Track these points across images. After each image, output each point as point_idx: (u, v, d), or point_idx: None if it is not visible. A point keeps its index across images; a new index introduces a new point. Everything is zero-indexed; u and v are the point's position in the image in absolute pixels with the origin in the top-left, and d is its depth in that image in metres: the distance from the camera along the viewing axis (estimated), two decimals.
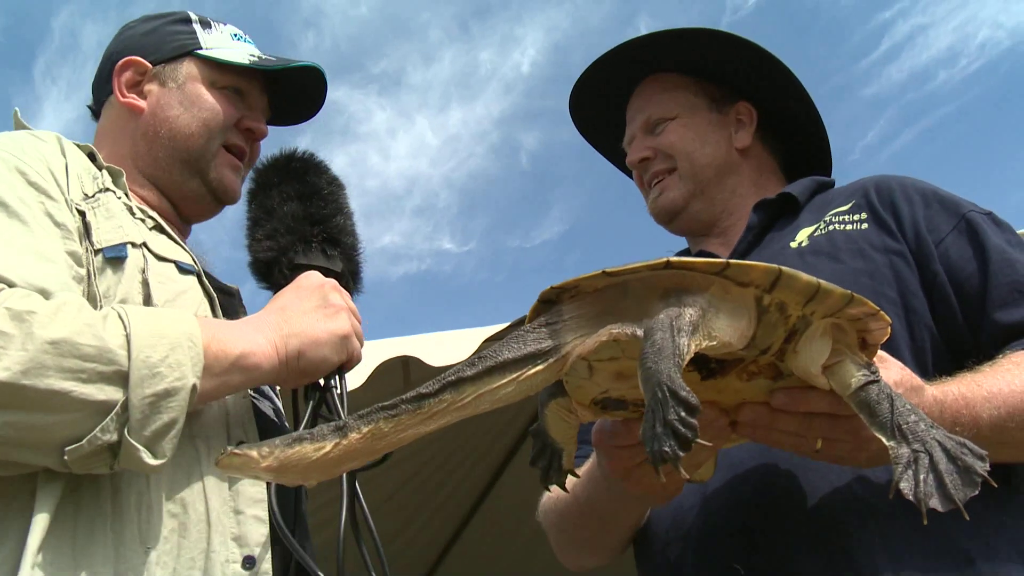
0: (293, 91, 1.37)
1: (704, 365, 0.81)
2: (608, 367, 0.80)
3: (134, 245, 1.02)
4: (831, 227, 1.25)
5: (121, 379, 0.82)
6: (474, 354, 0.80)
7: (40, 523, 0.82)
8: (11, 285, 0.85)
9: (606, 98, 1.55)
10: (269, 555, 0.95)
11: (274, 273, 1.12)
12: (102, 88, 1.31)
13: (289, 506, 1.04)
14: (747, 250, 1.32)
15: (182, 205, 1.26)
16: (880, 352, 0.92)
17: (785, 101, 1.46)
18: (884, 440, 0.79)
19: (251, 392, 1.09)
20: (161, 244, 1.08)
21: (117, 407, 0.81)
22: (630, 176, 1.59)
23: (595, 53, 1.51)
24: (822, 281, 0.78)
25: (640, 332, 0.74)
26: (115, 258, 0.99)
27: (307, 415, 1.05)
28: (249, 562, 0.93)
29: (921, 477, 0.75)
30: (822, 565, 0.99)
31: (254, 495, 0.98)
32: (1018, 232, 1.22)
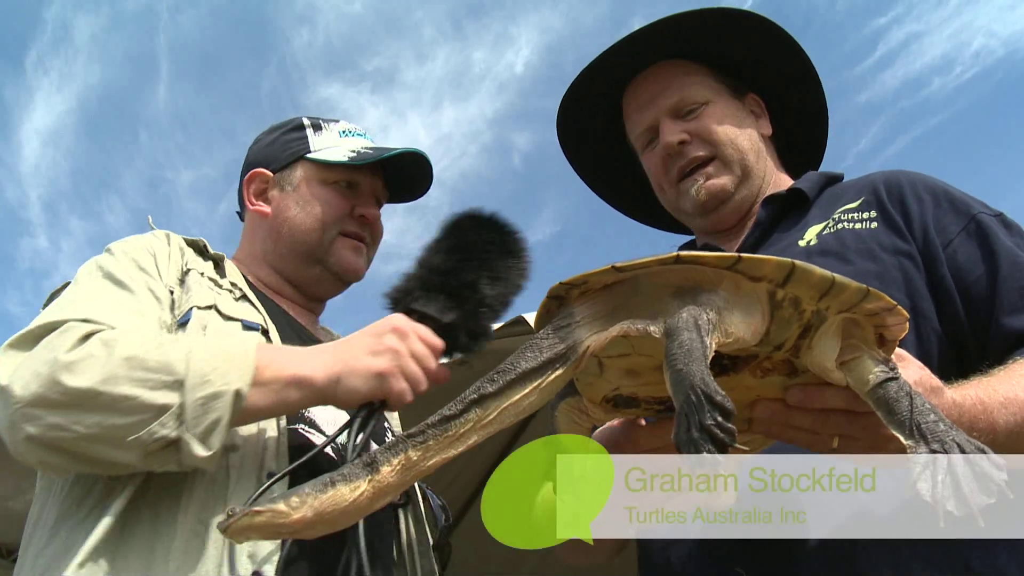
0: (402, 171, 1.53)
1: (717, 362, 0.79)
2: (619, 363, 0.78)
3: (199, 308, 1.19)
4: (840, 225, 1.23)
5: (179, 386, 0.98)
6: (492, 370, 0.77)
7: (99, 531, 1.00)
8: (112, 327, 1.06)
9: (594, 106, 1.49)
10: (274, 570, 1.03)
11: (395, 311, 1.20)
12: (240, 197, 1.54)
13: None
14: (754, 246, 1.30)
15: (307, 288, 1.47)
16: (899, 351, 0.90)
17: (795, 91, 1.43)
18: (902, 439, 0.77)
19: (304, 427, 1.18)
20: (234, 307, 1.25)
21: (174, 407, 0.97)
22: (599, 194, 1.59)
23: (589, 54, 1.45)
24: (837, 275, 0.77)
25: (652, 328, 0.73)
26: (183, 322, 1.17)
27: (325, 442, 1.09)
28: None
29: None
30: (825, 570, 0.98)
31: None
32: None
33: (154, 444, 0.96)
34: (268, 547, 1.03)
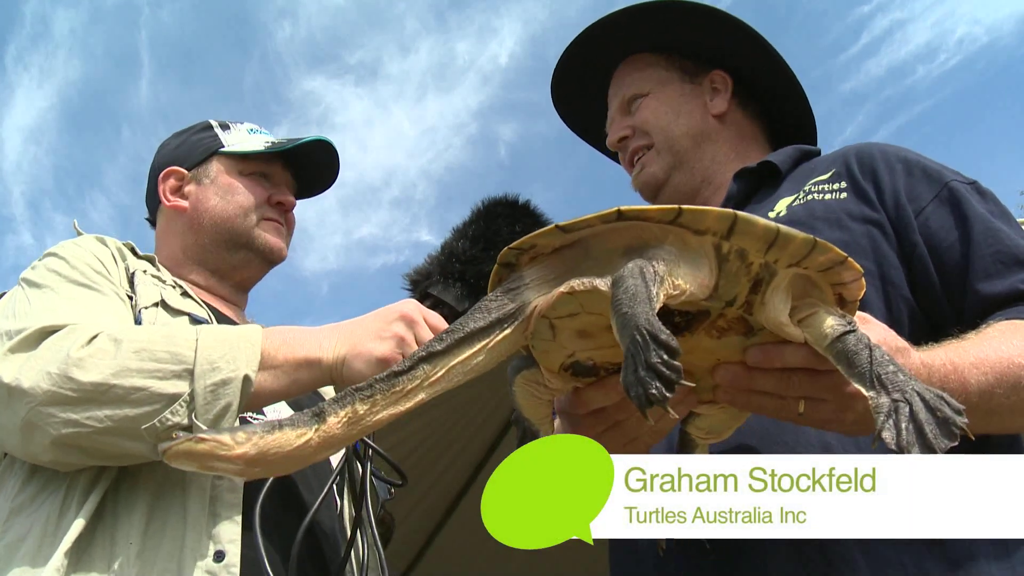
0: (310, 166, 1.60)
1: (669, 320, 0.79)
2: (570, 324, 0.78)
3: (144, 308, 1.21)
4: (810, 196, 1.23)
5: (189, 375, 1.00)
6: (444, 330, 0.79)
7: (77, 527, 0.99)
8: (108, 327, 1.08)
9: (589, 86, 1.56)
10: (238, 550, 1.04)
11: (413, 293, 1.23)
12: (152, 200, 1.56)
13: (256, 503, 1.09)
14: None
15: (233, 275, 1.49)
16: (863, 313, 0.90)
17: (758, 67, 1.45)
18: (863, 390, 0.76)
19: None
20: (179, 302, 1.28)
21: (184, 396, 0.99)
22: (618, 161, 1.60)
23: None
24: (781, 226, 0.77)
25: (598, 283, 0.73)
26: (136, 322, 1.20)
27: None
28: (219, 556, 1.03)
29: (903, 426, 0.73)
30: (799, 568, 0.98)
31: (231, 501, 1.08)
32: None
33: (165, 432, 0.98)
34: (228, 530, 1.05)
